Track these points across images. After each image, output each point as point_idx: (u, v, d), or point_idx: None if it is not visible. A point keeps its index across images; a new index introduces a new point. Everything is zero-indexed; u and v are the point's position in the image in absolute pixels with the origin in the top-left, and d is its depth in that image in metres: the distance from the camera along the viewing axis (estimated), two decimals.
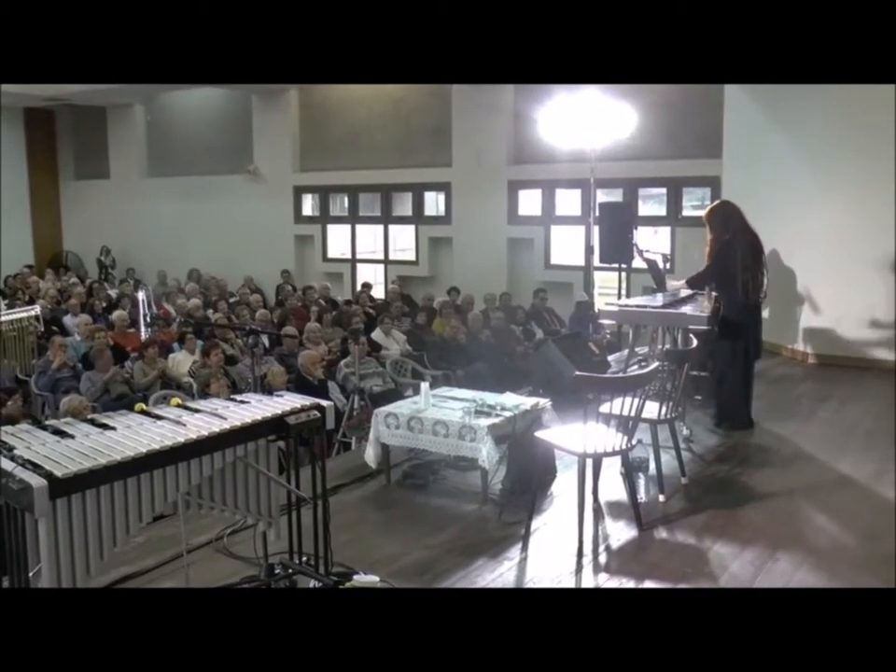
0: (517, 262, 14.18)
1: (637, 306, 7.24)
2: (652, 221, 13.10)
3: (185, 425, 3.61)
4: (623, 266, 10.25)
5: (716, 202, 7.29)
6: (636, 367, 7.16)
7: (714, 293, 6.78)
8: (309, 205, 16.63)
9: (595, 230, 10.94)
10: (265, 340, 10.31)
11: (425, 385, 5.84)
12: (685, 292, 7.33)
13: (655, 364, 5.21)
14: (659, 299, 7.52)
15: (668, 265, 9.36)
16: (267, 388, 6.75)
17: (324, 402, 4.05)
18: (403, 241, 15.90)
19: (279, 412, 3.85)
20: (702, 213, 7.11)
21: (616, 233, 9.73)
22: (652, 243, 11.78)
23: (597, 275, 12.45)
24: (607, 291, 13.03)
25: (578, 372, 4.98)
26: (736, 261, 6.52)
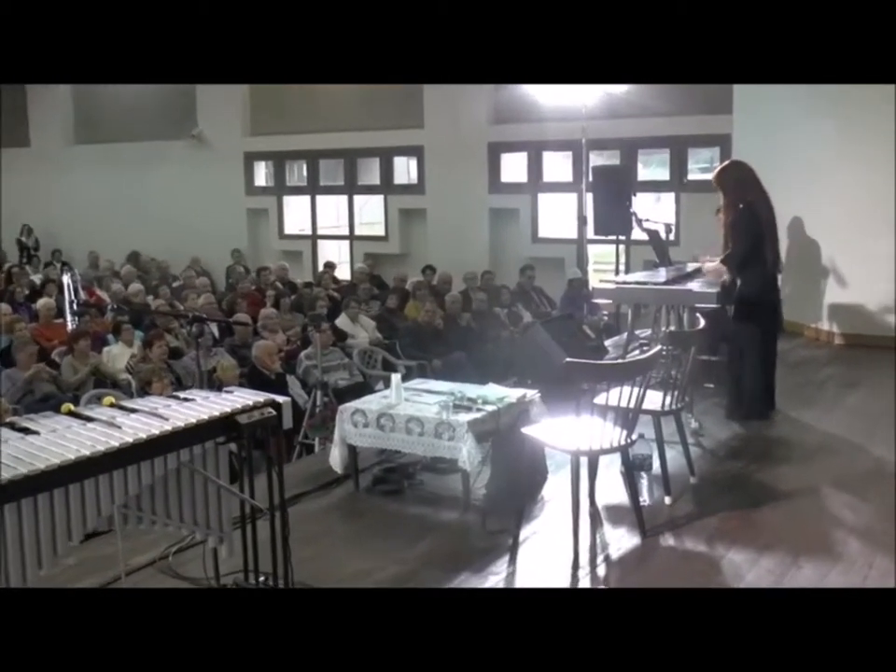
0: (500, 236, 14.20)
1: (637, 283, 7.26)
2: (654, 187, 13.14)
3: (120, 427, 3.58)
4: (621, 238, 10.28)
5: (725, 162, 7.28)
6: (636, 352, 7.20)
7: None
8: (262, 174, 16.59)
9: (589, 197, 10.95)
10: (214, 329, 10.27)
11: (396, 378, 5.83)
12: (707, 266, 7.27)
13: (657, 348, 5.22)
14: (661, 274, 7.54)
15: (672, 236, 9.41)
16: (216, 384, 6.72)
17: (280, 398, 4.04)
18: (370, 213, 15.89)
19: (228, 410, 3.83)
20: (710, 176, 7.11)
21: (612, 201, 9.74)
22: (654, 211, 11.82)
23: (591, 249, 12.48)
24: (602, 267, 13.08)
25: (569, 359, 4.98)
26: (762, 229, 6.51)
